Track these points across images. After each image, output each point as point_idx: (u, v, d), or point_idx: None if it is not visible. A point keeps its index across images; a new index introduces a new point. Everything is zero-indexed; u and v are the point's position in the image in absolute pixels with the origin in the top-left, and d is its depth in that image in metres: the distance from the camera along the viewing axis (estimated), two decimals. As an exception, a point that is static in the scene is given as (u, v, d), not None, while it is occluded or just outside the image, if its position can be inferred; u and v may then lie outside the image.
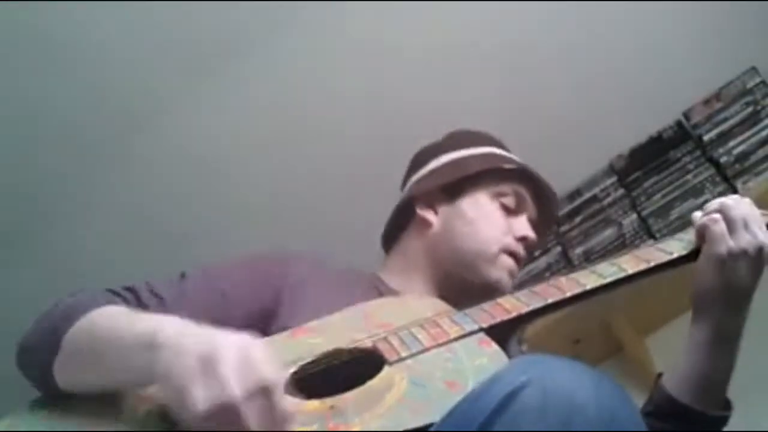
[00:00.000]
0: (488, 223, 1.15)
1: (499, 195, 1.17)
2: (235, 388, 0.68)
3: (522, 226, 1.17)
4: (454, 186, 1.18)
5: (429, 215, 1.18)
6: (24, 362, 0.90)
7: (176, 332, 0.75)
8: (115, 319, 0.86)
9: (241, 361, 0.70)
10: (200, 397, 0.68)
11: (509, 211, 1.17)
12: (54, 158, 2.08)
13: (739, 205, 1.01)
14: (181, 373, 0.70)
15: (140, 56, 1.97)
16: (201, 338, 0.73)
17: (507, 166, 1.19)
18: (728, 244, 0.97)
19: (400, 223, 1.22)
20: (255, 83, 2.08)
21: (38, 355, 0.86)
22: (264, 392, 0.69)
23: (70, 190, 2.15)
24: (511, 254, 1.14)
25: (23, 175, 2.09)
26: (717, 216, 1.00)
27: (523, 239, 1.16)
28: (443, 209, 1.18)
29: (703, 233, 1.00)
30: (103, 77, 1.98)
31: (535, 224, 1.19)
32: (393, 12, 2.01)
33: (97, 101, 2.02)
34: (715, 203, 1.03)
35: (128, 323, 0.82)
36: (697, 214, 1.04)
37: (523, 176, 1.19)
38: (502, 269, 1.13)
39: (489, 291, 1.09)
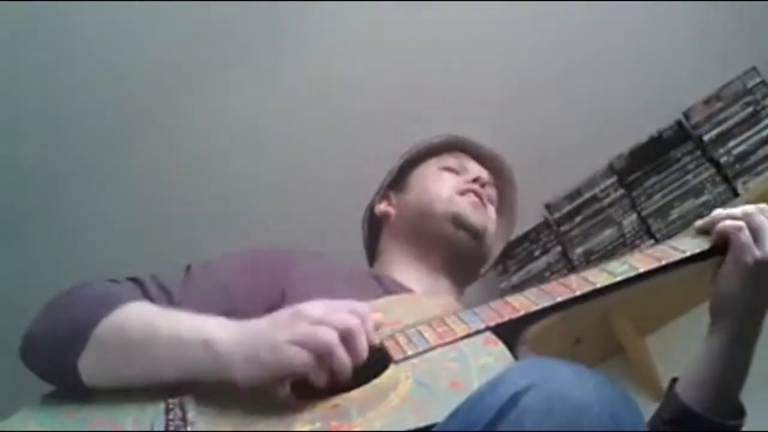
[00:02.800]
0: (435, 182, 1.23)
1: (440, 164, 1.26)
2: (343, 312, 0.82)
3: (470, 173, 1.24)
4: (399, 180, 1.29)
5: (386, 208, 1.27)
6: (36, 355, 0.89)
7: (233, 329, 0.83)
8: (152, 315, 0.88)
9: (319, 309, 0.82)
10: (320, 332, 0.79)
11: (455, 172, 1.25)
12: (59, 149, 2.08)
13: (763, 211, 0.99)
14: (285, 333, 0.79)
15: (148, 50, 1.97)
16: (274, 318, 0.83)
17: (435, 141, 1.29)
18: (754, 253, 0.95)
19: (374, 236, 1.30)
20: (260, 81, 2.09)
21: (60, 349, 0.85)
22: (360, 313, 0.82)
23: (74, 182, 2.15)
24: (466, 193, 1.20)
25: (27, 167, 2.09)
26: (741, 223, 0.97)
27: (475, 180, 1.22)
28: (395, 198, 1.28)
29: (725, 238, 0.98)
30: (111, 70, 1.99)
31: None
32: (396, 14, 2.01)
33: (103, 94, 2.02)
34: (736, 210, 1.00)
35: (171, 321, 0.86)
36: (720, 213, 1.01)
37: (459, 147, 1.29)
38: (463, 203, 1.19)
39: (460, 228, 1.17)
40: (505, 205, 1.30)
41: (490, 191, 1.24)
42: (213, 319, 0.84)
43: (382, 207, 1.28)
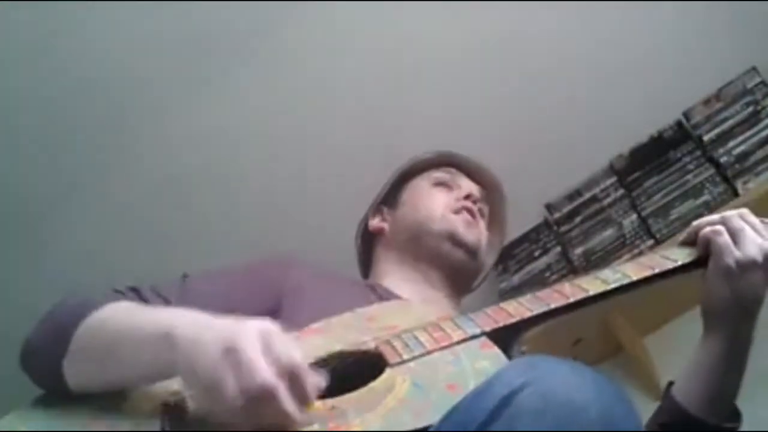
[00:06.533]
0: (428, 197, 1.25)
1: (431, 179, 1.28)
2: (265, 371, 0.70)
3: (462, 189, 1.25)
4: (391, 195, 1.31)
5: (380, 223, 1.29)
6: (30, 363, 0.89)
7: (193, 327, 0.77)
8: (125, 314, 0.86)
9: (264, 345, 0.72)
10: (232, 389, 0.70)
11: (447, 187, 1.27)
12: (54, 158, 2.08)
13: (743, 215, 1.00)
14: (207, 368, 0.72)
15: (139, 57, 1.98)
16: (219, 330, 0.75)
17: (426, 156, 1.31)
18: (735, 255, 0.97)
19: (367, 250, 1.32)
20: (253, 85, 2.09)
21: (46, 355, 0.85)
22: (293, 372, 0.72)
23: (69, 191, 2.15)
24: (459, 211, 1.22)
25: (23, 176, 2.10)
26: (720, 227, 0.99)
27: (467, 197, 1.24)
28: (389, 213, 1.30)
29: (707, 245, 0.99)
30: (103, 77, 1.99)
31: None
32: (394, 15, 2.02)
33: (97, 101, 2.02)
34: (715, 216, 1.02)
35: (140, 319, 0.83)
36: (701, 221, 1.03)
37: (450, 162, 1.31)
38: (456, 222, 1.21)
39: (456, 246, 1.19)
40: (495, 217, 1.32)
41: (482, 206, 1.26)
42: (186, 315, 0.81)
43: (375, 222, 1.30)
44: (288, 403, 0.70)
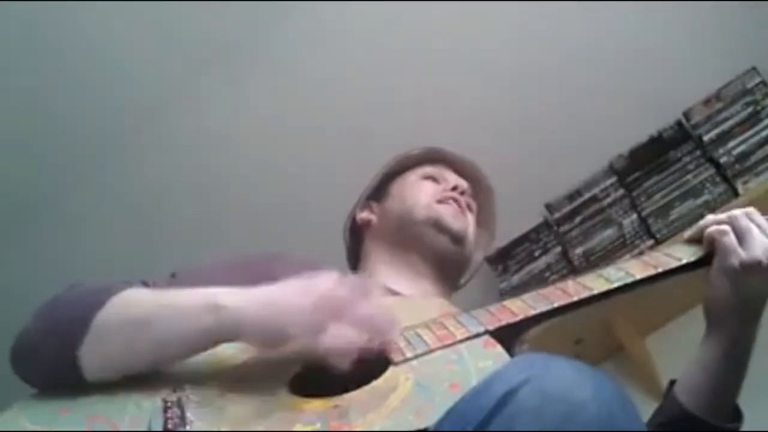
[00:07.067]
0: (416, 189, 1.25)
1: (419, 174, 1.28)
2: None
3: (449, 182, 1.25)
4: (379, 191, 1.31)
5: (368, 216, 1.29)
6: (30, 357, 0.87)
7: (236, 292, 0.82)
8: (151, 294, 0.88)
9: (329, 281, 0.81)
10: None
11: (435, 180, 1.27)
12: (53, 155, 2.08)
13: (749, 214, 0.99)
14: (301, 315, 0.78)
15: (140, 55, 1.98)
16: (273, 290, 0.82)
17: (414, 152, 1.31)
18: (740, 255, 0.96)
19: (355, 245, 1.31)
20: (256, 83, 2.08)
21: (58, 343, 0.83)
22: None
23: (67, 189, 2.15)
24: (446, 201, 1.22)
25: (22, 172, 2.10)
26: (726, 227, 0.98)
27: (454, 188, 1.23)
28: (377, 206, 1.29)
29: (712, 243, 0.99)
30: (103, 75, 1.99)
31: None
32: (395, 15, 2.02)
33: (97, 100, 2.02)
34: (723, 215, 1.01)
35: (170, 295, 0.85)
36: (707, 219, 1.02)
37: (438, 158, 1.31)
38: (441, 210, 1.21)
39: (441, 233, 1.19)
40: (484, 215, 1.31)
41: (469, 200, 1.25)
42: (217, 287, 0.84)
43: (363, 215, 1.29)
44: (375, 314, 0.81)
